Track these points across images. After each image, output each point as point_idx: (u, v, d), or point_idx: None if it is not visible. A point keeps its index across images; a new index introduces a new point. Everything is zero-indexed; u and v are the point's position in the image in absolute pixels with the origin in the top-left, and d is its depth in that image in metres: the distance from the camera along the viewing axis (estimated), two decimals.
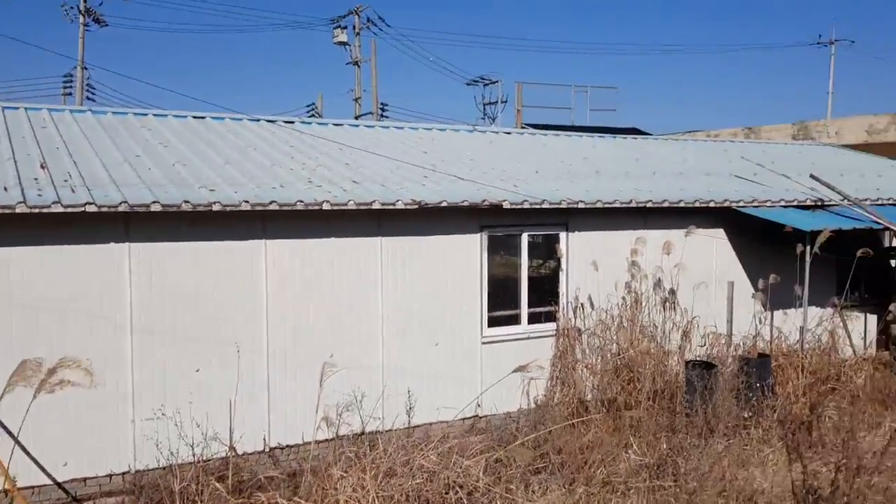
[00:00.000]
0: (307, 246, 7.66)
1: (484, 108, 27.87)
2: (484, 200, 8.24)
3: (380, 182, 8.29)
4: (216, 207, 6.85)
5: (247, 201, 6.99)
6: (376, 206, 7.57)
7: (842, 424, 5.03)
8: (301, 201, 7.24)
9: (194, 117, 10.57)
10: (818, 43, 40.07)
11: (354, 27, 29.12)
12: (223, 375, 7.25)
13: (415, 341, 8.25)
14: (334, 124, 11.60)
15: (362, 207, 7.52)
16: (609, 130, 21.06)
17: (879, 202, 11.36)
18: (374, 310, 8.03)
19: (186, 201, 6.75)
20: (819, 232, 9.46)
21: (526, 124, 22.27)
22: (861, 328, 11.37)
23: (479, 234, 8.61)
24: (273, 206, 7.09)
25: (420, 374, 8.23)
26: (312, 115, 28.42)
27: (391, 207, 7.65)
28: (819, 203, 10.79)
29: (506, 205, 8.33)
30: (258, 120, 10.97)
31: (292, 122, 11.23)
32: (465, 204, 8.09)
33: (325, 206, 7.33)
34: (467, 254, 8.56)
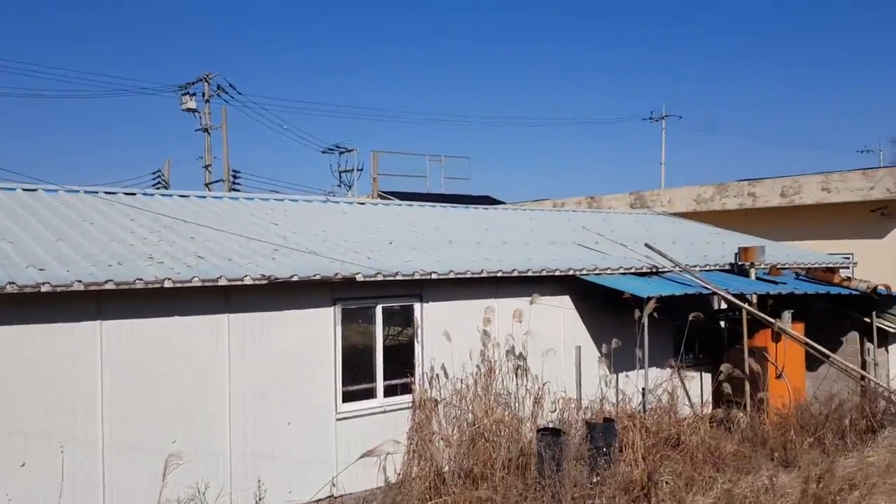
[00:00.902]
0: (148, 326, 7.24)
1: (340, 176, 27.98)
2: (336, 274, 8.16)
3: (227, 256, 8.03)
4: (45, 289, 6.36)
5: (80, 281, 6.54)
6: (223, 282, 7.30)
7: (677, 488, 5.27)
8: (140, 279, 6.87)
9: (24, 189, 9.89)
10: (650, 118, 43.37)
11: (204, 94, 28.56)
12: (48, 472, 6.63)
13: (265, 422, 7.93)
14: (180, 195, 11.20)
15: (208, 284, 7.23)
16: (463, 198, 21.66)
17: (707, 268, 12.25)
18: (222, 391, 7.66)
19: (12, 283, 6.23)
20: (656, 297, 10.05)
21: (382, 192, 22.51)
22: (697, 388, 12.07)
23: (332, 308, 8.49)
24: (109, 286, 6.67)
25: (271, 456, 7.89)
26: (158, 184, 27.38)
27: (239, 283, 7.41)
28: (654, 270, 11.48)
29: (359, 277, 8.29)
30: (96, 192, 10.39)
31: (133, 194, 10.73)
32: (318, 277, 7.97)
33: (168, 284, 6.99)
34: (320, 328, 8.40)
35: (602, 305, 10.84)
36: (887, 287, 12.63)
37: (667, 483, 5.29)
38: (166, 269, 7.26)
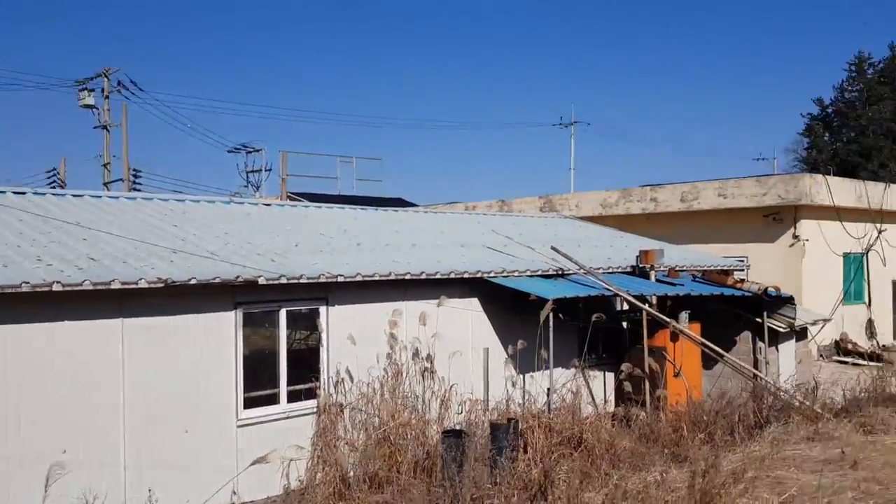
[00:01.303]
0: (35, 331, 6.89)
1: (247, 177, 27.39)
2: (238, 277, 7.97)
3: (122, 259, 7.72)
4: None
5: None
6: (116, 285, 7.02)
7: (573, 485, 5.38)
8: (27, 283, 6.54)
9: None
10: (560, 124, 44.28)
11: (103, 90, 27.44)
12: None
13: (162, 429, 7.67)
14: (73, 195, 10.72)
15: (100, 287, 6.94)
16: (375, 200, 21.56)
17: (610, 270, 12.59)
18: (116, 399, 7.37)
19: None
20: (561, 299, 10.27)
21: (292, 193, 22.17)
22: (601, 386, 12.39)
23: (233, 312, 8.29)
24: None
25: (168, 465, 7.64)
26: (54, 183, 26.16)
27: (133, 287, 7.14)
28: (560, 272, 11.72)
29: (262, 281, 8.12)
30: None
31: (23, 193, 10.21)
32: (218, 281, 7.77)
33: (56, 288, 6.67)
34: (221, 333, 8.19)
35: (510, 307, 10.98)
36: (777, 289, 13.28)
37: (563, 481, 5.40)
38: (55, 271, 6.93)
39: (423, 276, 9.73)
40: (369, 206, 15.74)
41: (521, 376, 11.00)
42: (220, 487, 7.90)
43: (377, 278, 9.21)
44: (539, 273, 11.38)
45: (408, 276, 9.56)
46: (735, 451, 6.57)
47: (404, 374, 9.40)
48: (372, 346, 9.31)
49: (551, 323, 10.30)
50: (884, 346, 22.01)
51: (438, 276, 9.91)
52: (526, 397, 10.82)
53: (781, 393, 9.54)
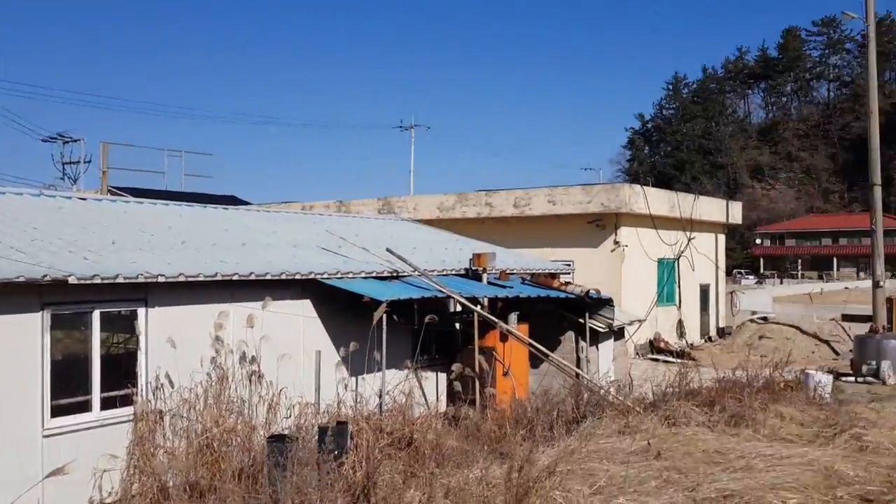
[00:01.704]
0: None
1: (63, 168, 25.43)
2: (45, 276, 7.36)
3: None
4: None
5: None
6: None
7: (396, 486, 5.42)
8: None
9: None
10: (401, 127, 44.66)
11: None
12: None
13: None
14: None
15: None
16: (205, 197, 20.67)
17: (444, 272, 12.81)
18: None
19: None
20: (395, 301, 10.32)
21: (113, 188, 20.83)
22: (433, 387, 12.57)
23: (39, 314, 7.65)
24: None
25: None
26: None
27: None
28: (395, 274, 11.78)
29: (72, 280, 7.55)
30: None
31: None
32: (21, 279, 7.14)
33: None
34: (25, 336, 7.53)
35: (343, 309, 10.89)
36: (598, 291, 14.06)
37: (387, 481, 5.41)
38: None
39: (253, 277, 9.45)
40: (199, 203, 15.08)
41: (354, 378, 10.93)
42: (24, 502, 7.26)
43: (202, 279, 8.83)
44: (374, 275, 11.37)
45: (235, 277, 9.24)
46: (553, 445, 6.87)
47: (230, 379, 9.07)
48: (196, 350, 8.91)
49: (385, 325, 10.32)
50: (691, 344, 23.94)
51: (269, 277, 9.66)
52: (358, 399, 10.76)
53: (598, 389, 10.11)
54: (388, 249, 12.46)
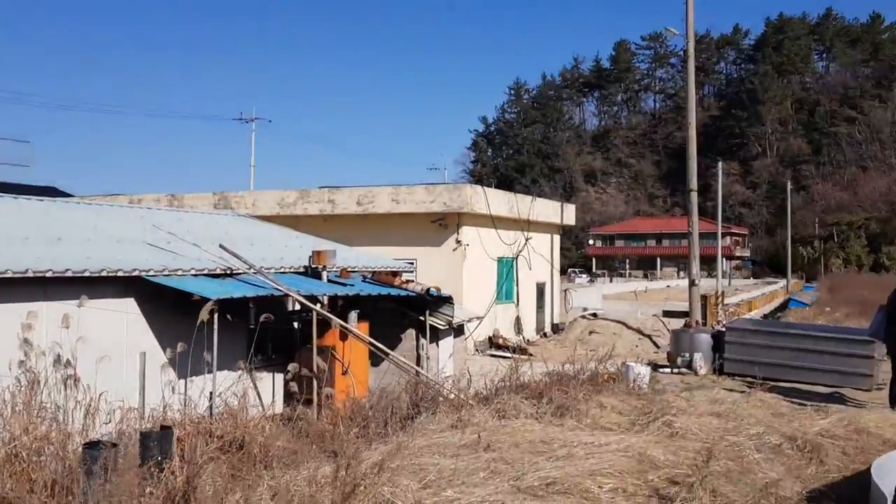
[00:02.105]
0: None
1: None
2: None
3: None
4: None
5: None
6: None
7: (221, 489, 5.22)
8: None
9: None
10: (241, 119, 43.27)
11: None
12: None
13: None
14: None
15: None
16: (21, 188, 19.09)
17: (282, 270, 12.53)
18: None
19: None
20: (227, 299, 9.96)
21: None
22: (269, 388, 12.26)
23: None
24: None
25: None
26: None
27: None
28: (228, 271, 11.37)
29: None
30: None
31: None
32: None
33: None
34: None
35: (172, 309, 10.38)
36: (438, 289, 14.28)
37: (210, 485, 5.20)
38: None
39: (69, 274, 8.80)
40: (11, 193, 13.87)
41: (183, 381, 10.45)
42: None
43: (10, 275, 8.12)
44: (206, 272, 10.93)
45: (49, 274, 8.57)
46: (386, 442, 6.88)
47: (42, 384, 8.38)
48: (2, 353, 8.17)
49: (216, 324, 9.94)
50: (528, 340, 24.87)
51: (87, 274, 9.04)
52: (187, 403, 10.29)
53: (435, 385, 10.26)
54: (221, 246, 12.02)
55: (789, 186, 73.53)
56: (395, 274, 15.21)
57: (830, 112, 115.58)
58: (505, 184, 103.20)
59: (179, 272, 10.40)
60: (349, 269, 14.03)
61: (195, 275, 10.68)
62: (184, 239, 12.61)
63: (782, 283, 61.88)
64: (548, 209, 27.37)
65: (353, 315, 12.73)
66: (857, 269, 78.97)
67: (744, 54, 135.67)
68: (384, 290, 13.53)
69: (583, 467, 6.50)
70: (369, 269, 14.85)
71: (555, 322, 28.37)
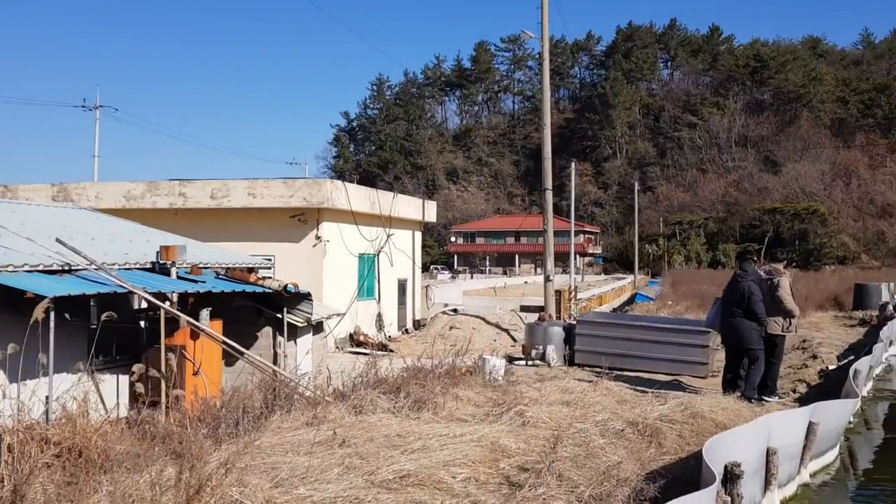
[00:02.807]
0: None
1: None
2: None
3: None
4: None
5: None
6: None
7: (54, 498, 4.89)
8: None
9: None
10: (83, 106, 40.68)
11: None
12: None
13: None
14: None
15: None
16: None
17: (127, 266, 11.88)
18: None
19: None
20: (64, 297, 9.33)
21: None
22: (113, 390, 11.61)
23: None
24: None
25: None
26: None
27: None
28: (67, 268, 10.65)
29: None
30: None
31: None
32: None
33: None
34: None
35: (2, 307, 9.61)
36: (295, 285, 14.01)
37: (41, 494, 4.84)
38: None
39: None
40: None
41: (16, 385, 9.69)
42: None
43: None
44: (41, 268, 10.18)
45: None
46: (237, 442, 6.68)
47: None
48: None
49: (52, 323, 9.29)
50: (390, 336, 24.94)
51: None
52: (21, 408, 9.56)
53: (291, 383, 10.07)
54: (58, 240, 11.24)
55: (636, 187, 77.87)
56: (250, 270, 14.78)
57: (674, 118, 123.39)
58: (367, 180, 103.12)
59: (11, 268, 9.63)
60: (201, 266, 13.50)
61: (29, 271, 9.93)
62: (17, 233, 11.68)
63: (630, 278, 65.41)
64: (409, 206, 27.53)
65: (205, 313, 12.26)
66: (696, 265, 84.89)
67: (596, 60, 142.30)
68: (238, 287, 13.13)
69: (437, 459, 6.59)
70: (223, 266, 14.35)
71: (416, 318, 28.59)
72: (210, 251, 15.52)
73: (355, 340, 22.60)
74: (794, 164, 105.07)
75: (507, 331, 26.16)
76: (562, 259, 56.93)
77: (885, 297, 29.76)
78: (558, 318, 23.20)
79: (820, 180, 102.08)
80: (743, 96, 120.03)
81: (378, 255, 24.64)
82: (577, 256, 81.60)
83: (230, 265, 14.63)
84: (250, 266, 15.49)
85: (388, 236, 25.15)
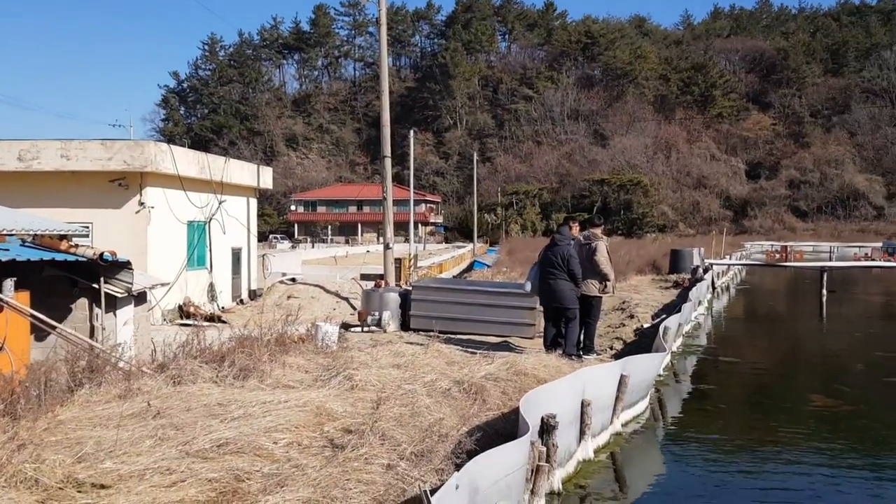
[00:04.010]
0: None
1: None
2: None
3: None
4: None
5: None
6: None
7: None
8: None
9: None
10: None
11: None
12: None
13: None
14: None
15: None
16: None
17: None
18: None
19: None
20: None
21: None
22: None
23: None
24: None
25: None
26: None
27: None
28: None
29: None
30: None
31: None
32: None
33: None
34: None
35: None
36: (113, 254, 13.15)
37: None
38: None
39: None
40: None
41: None
42: None
43: None
44: None
45: None
46: (41, 418, 6.20)
47: None
48: None
49: None
50: (223, 307, 24.12)
51: None
52: None
53: (105, 356, 9.49)
54: None
55: (476, 158, 79.66)
56: (63, 238, 13.71)
57: (512, 90, 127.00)
58: (200, 145, 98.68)
59: None
60: (4, 233, 12.36)
61: None
62: None
63: (470, 247, 67.06)
64: (243, 171, 26.59)
65: (9, 283, 11.24)
66: (532, 234, 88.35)
67: (437, 29, 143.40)
68: (47, 255, 12.14)
69: (259, 426, 6.43)
70: (30, 233, 13.22)
71: (252, 288, 27.83)
72: (16, 217, 14.23)
73: (185, 312, 21.65)
74: (620, 138, 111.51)
75: (346, 299, 26.04)
76: (403, 228, 57.38)
77: (697, 261, 32.35)
78: (398, 285, 23.37)
79: (643, 153, 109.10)
80: (575, 71, 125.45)
81: (209, 222, 23.64)
82: (419, 225, 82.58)
83: (39, 232, 13.50)
84: (63, 233, 14.36)
85: (221, 203, 24.17)
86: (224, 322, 19.89)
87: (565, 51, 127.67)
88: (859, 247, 69.15)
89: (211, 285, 24.03)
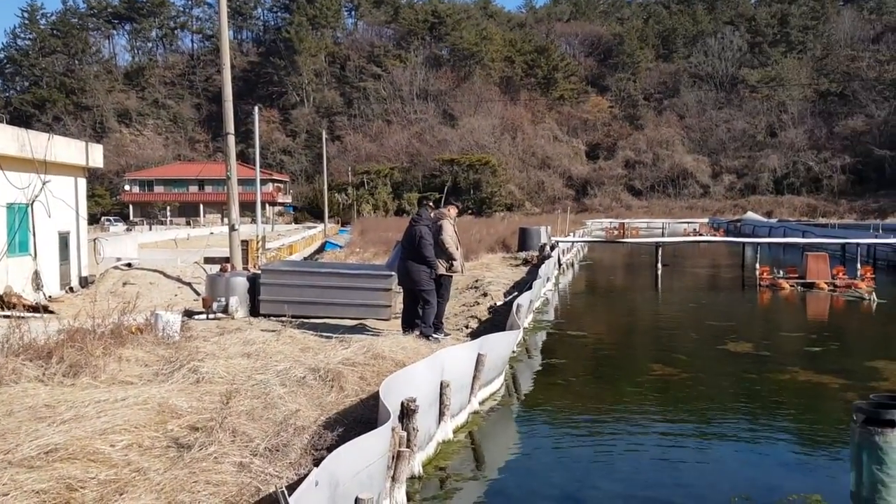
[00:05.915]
0: None
1: None
2: None
3: None
4: None
5: None
6: None
7: None
8: None
9: None
10: None
11: None
12: None
13: None
14: None
15: None
16: None
17: None
18: None
19: None
20: None
21: None
22: None
23: None
24: None
25: None
26: None
27: None
28: None
29: None
30: None
31: None
32: None
33: None
34: None
35: None
36: None
37: None
38: None
39: None
40: None
41: None
42: None
43: None
44: None
45: None
46: None
47: None
48: None
49: None
50: (50, 296, 22.23)
51: None
52: None
53: None
54: None
55: (325, 136, 78.20)
56: None
57: (360, 68, 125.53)
58: (21, 120, 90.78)
59: None
60: None
61: None
62: None
63: (321, 227, 65.92)
64: (70, 149, 24.52)
65: None
66: (384, 214, 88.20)
67: (280, 3, 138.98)
68: None
69: (93, 427, 5.83)
70: None
71: (83, 275, 25.84)
72: None
73: (6, 303, 19.74)
74: (469, 118, 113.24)
75: (189, 284, 24.76)
76: (250, 208, 55.46)
77: (544, 238, 33.41)
78: (245, 268, 22.44)
79: (491, 134, 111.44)
80: (423, 51, 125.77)
81: (32, 204, 21.64)
82: (267, 206, 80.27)
83: None
84: None
85: (45, 184, 22.17)
86: (51, 313, 18.29)
87: (413, 30, 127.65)
88: (688, 223, 74.51)
89: (36, 273, 22.05)
